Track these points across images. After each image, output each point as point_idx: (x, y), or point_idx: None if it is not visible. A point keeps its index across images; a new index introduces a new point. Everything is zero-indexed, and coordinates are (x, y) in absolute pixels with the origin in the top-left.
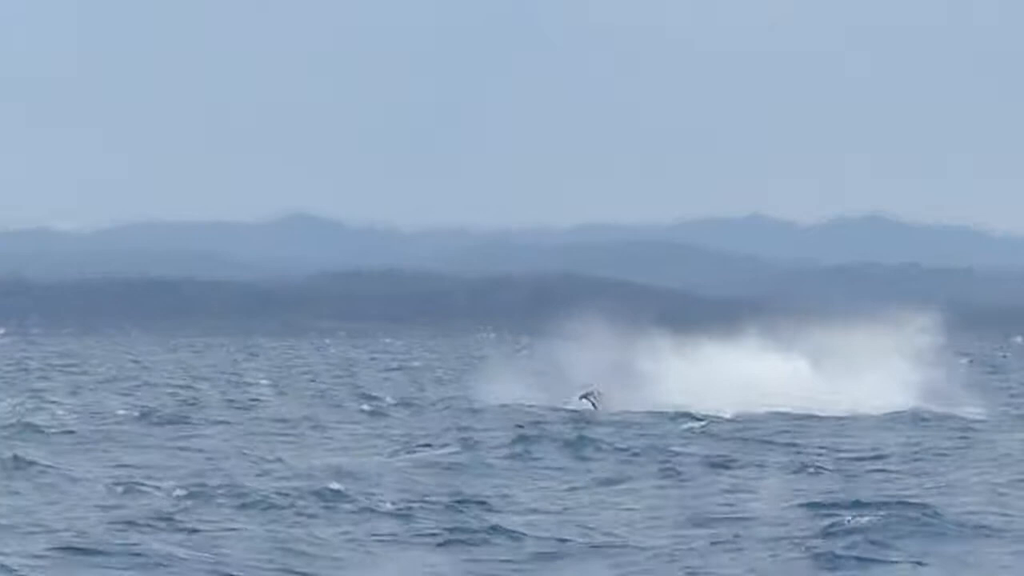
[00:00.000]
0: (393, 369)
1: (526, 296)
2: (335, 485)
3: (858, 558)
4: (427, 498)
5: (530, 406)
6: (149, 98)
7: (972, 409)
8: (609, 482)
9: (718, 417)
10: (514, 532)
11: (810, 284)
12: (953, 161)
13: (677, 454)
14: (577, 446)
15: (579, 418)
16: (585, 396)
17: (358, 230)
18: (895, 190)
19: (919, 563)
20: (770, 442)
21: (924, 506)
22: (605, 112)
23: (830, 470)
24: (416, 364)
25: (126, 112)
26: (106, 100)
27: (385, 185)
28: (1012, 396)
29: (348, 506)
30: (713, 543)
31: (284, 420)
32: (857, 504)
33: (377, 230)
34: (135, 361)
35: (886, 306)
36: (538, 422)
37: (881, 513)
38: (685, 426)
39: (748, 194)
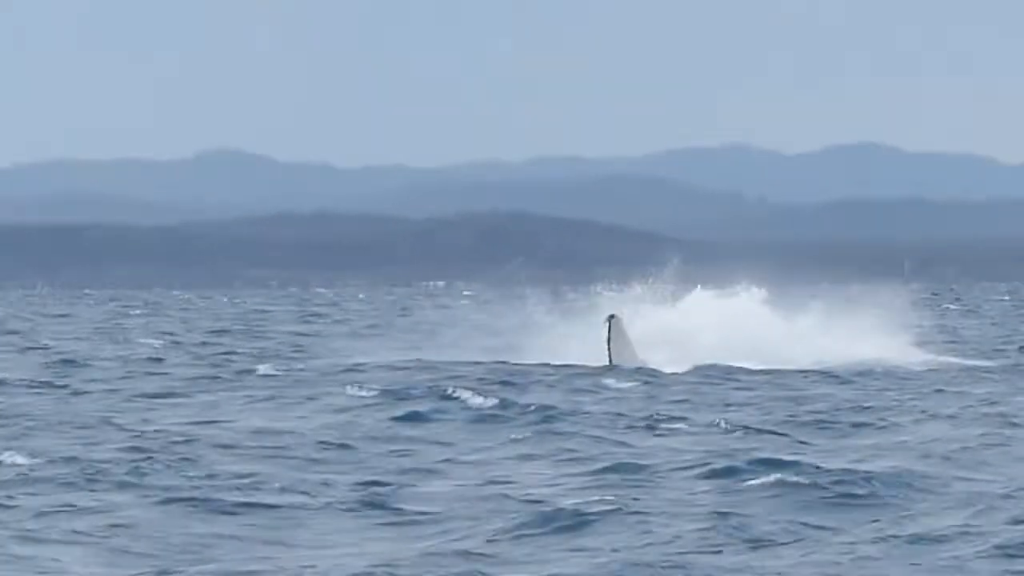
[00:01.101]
0: (308, 324)
1: (476, 240)
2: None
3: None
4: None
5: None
6: (52, 27)
7: (941, 360)
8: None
9: (671, 373)
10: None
11: (800, 222)
12: (956, 83)
13: (588, 413)
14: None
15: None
16: (608, 320)
17: (287, 167)
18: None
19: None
20: (703, 399)
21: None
22: (562, 33)
23: (744, 428)
24: (336, 318)
25: (19, 42)
26: (5, 32)
27: (317, 117)
28: (993, 348)
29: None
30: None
31: (146, 386)
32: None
33: (309, 166)
34: (20, 317)
35: (886, 247)
36: (432, 387)
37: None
38: (620, 383)
39: (728, 121)
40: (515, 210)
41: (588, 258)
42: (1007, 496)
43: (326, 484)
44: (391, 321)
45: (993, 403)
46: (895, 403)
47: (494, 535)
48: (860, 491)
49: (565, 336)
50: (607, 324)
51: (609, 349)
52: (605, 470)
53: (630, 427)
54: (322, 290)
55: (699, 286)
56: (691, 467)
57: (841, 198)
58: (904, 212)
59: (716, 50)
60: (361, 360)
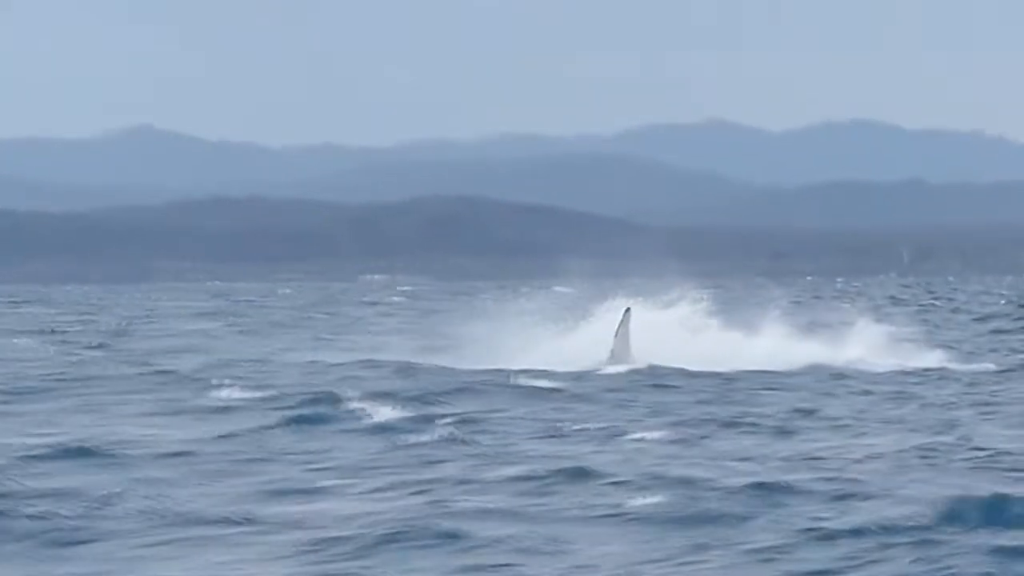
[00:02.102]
0: (210, 321)
1: (423, 228)
2: None
3: None
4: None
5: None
6: None
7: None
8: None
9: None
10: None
11: (787, 207)
12: (961, 54)
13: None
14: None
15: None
16: (625, 312)
17: (214, 147)
18: (890, 89)
19: None
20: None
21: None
22: (518, 1)
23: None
24: (248, 319)
25: None
26: None
27: (247, 91)
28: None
29: None
30: None
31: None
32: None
33: (238, 147)
34: None
35: (883, 235)
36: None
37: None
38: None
39: (707, 95)
40: (467, 195)
41: (549, 249)
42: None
43: (150, 499)
44: (300, 320)
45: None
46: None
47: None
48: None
49: (496, 338)
50: (624, 315)
51: (615, 341)
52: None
53: (534, 436)
54: (246, 284)
55: (628, 305)
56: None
57: (833, 180)
58: (903, 196)
59: (694, 14)
60: (243, 359)
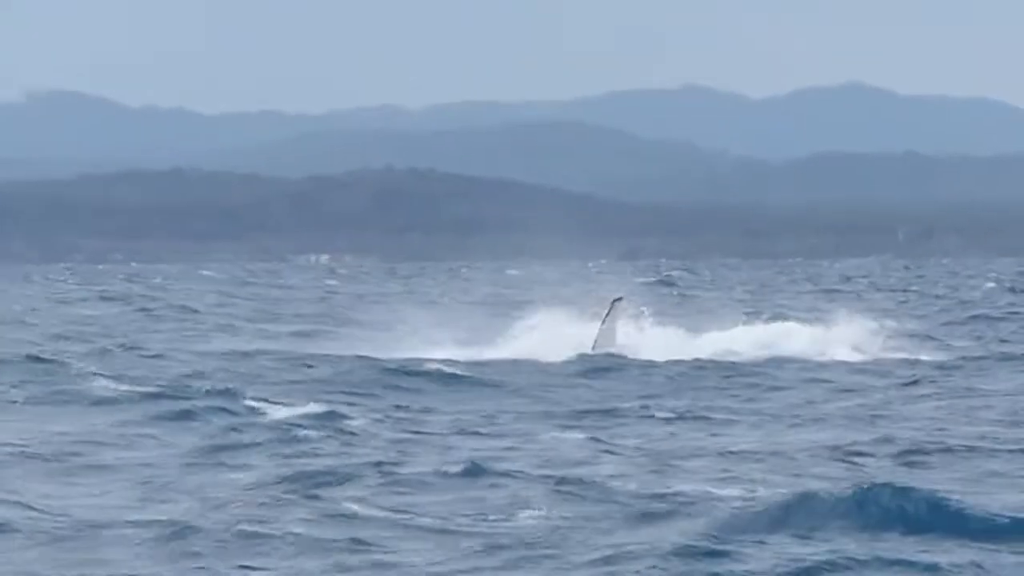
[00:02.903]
0: (106, 304)
1: (368, 204)
2: None
3: None
4: None
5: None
6: None
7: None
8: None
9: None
10: None
11: (769, 181)
12: (960, 11)
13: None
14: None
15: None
16: (614, 302)
17: (137, 113)
18: (882, 51)
19: None
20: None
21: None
22: None
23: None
24: (158, 303)
25: None
26: None
27: (175, 54)
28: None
29: None
30: None
31: None
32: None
33: (163, 113)
34: None
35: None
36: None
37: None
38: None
39: (681, 59)
40: (417, 167)
41: (507, 226)
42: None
43: None
44: (216, 305)
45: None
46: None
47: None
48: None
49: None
50: (611, 305)
51: (600, 330)
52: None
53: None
54: (168, 265)
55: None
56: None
57: (818, 152)
58: (897, 170)
59: None
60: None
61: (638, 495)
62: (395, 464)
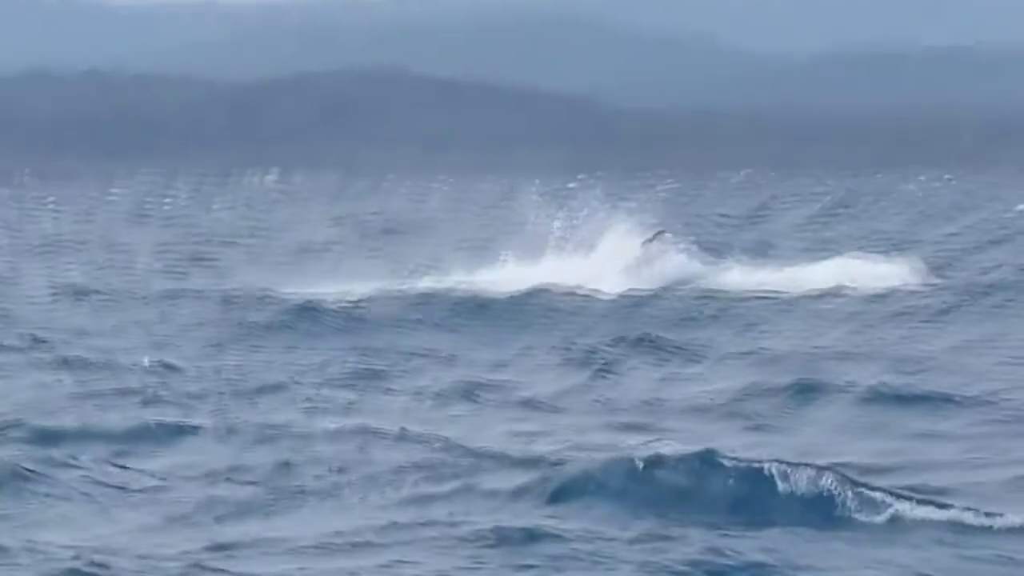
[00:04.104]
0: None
1: (323, 110)
2: None
3: None
4: None
5: None
6: None
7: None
8: None
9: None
10: None
11: (795, 80)
12: None
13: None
14: None
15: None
16: (651, 240)
17: (45, 5)
18: None
19: None
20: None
21: None
22: None
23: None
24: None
25: None
26: None
27: None
28: None
29: None
30: None
31: None
32: None
33: (76, 6)
34: None
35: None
36: None
37: None
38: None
39: None
40: (381, 68)
41: (488, 138)
42: None
43: None
44: (107, 232)
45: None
46: None
47: None
48: None
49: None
50: (652, 238)
51: (637, 259)
52: None
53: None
54: (77, 186)
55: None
56: None
57: (859, 47)
58: (953, 66)
59: None
60: None
61: None
62: None
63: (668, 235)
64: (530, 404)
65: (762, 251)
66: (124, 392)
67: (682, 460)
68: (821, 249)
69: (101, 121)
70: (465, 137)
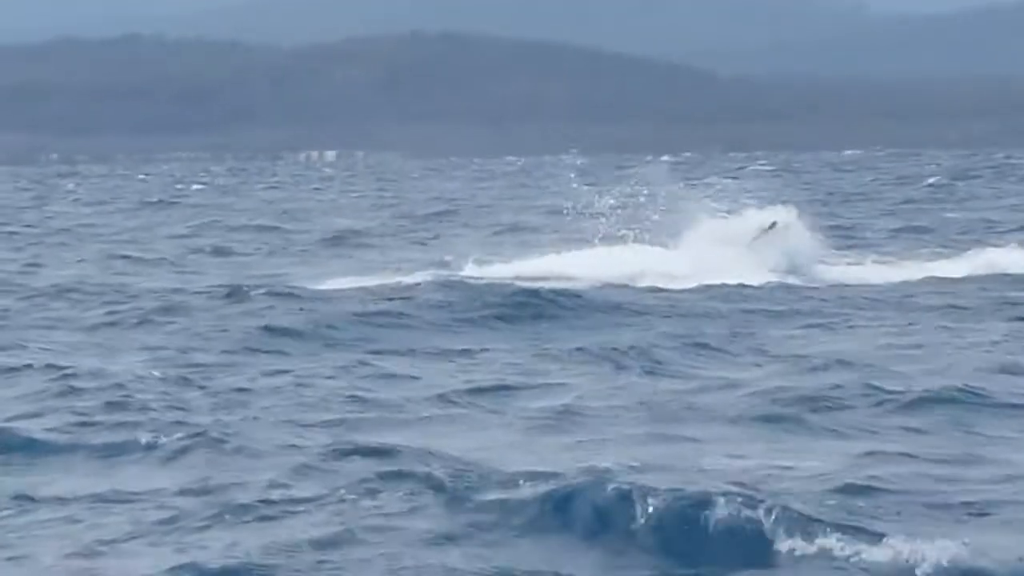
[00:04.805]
0: None
1: (386, 81)
2: None
3: None
4: None
5: None
6: None
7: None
8: None
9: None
10: None
11: (914, 45)
12: None
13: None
14: None
15: None
16: (768, 229)
17: None
18: None
19: None
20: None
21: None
22: None
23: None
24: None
25: None
26: None
27: None
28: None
29: None
30: None
31: None
32: None
33: None
34: None
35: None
36: None
37: None
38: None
39: None
40: (451, 31)
41: (569, 108)
42: None
43: None
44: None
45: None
46: None
47: None
48: None
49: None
50: (769, 226)
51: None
52: None
53: None
54: (105, 165)
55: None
56: None
57: (985, 3)
58: None
59: None
60: None
61: None
62: None
63: (781, 224)
64: (551, 411)
65: (877, 241)
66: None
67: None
68: (941, 238)
69: (137, 93)
70: (542, 109)
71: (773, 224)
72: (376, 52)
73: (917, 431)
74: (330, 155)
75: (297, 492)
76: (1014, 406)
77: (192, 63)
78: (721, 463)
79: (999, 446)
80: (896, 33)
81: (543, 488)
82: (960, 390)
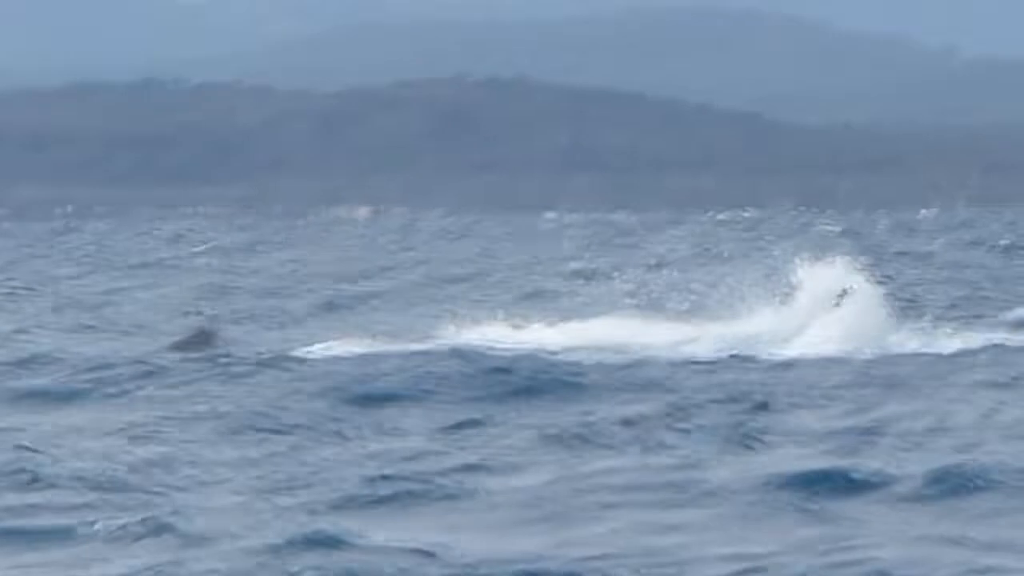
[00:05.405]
0: None
1: (429, 129)
2: None
3: None
4: None
5: None
6: None
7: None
8: None
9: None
10: None
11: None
12: None
13: None
14: None
15: None
16: (840, 296)
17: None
18: None
19: None
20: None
21: None
22: None
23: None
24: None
25: None
26: None
27: None
28: None
29: None
30: None
31: None
32: None
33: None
34: None
35: None
36: None
37: None
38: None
39: None
40: (500, 76)
41: (633, 159)
42: None
43: None
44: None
45: None
46: None
47: None
48: None
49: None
50: (840, 294)
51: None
52: None
53: None
54: (123, 219)
55: None
56: None
57: None
58: None
59: None
60: None
61: None
62: None
63: (854, 290)
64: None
65: (952, 307)
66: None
67: None
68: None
69: (161, 141)
70: (596, 160)
71: (845, 291)
72: (419, 97)
73: None
74: (364, 211)
75: None
76: None
77: (220, 109)
78: None
79: None
80: (987, 78)
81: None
82: None
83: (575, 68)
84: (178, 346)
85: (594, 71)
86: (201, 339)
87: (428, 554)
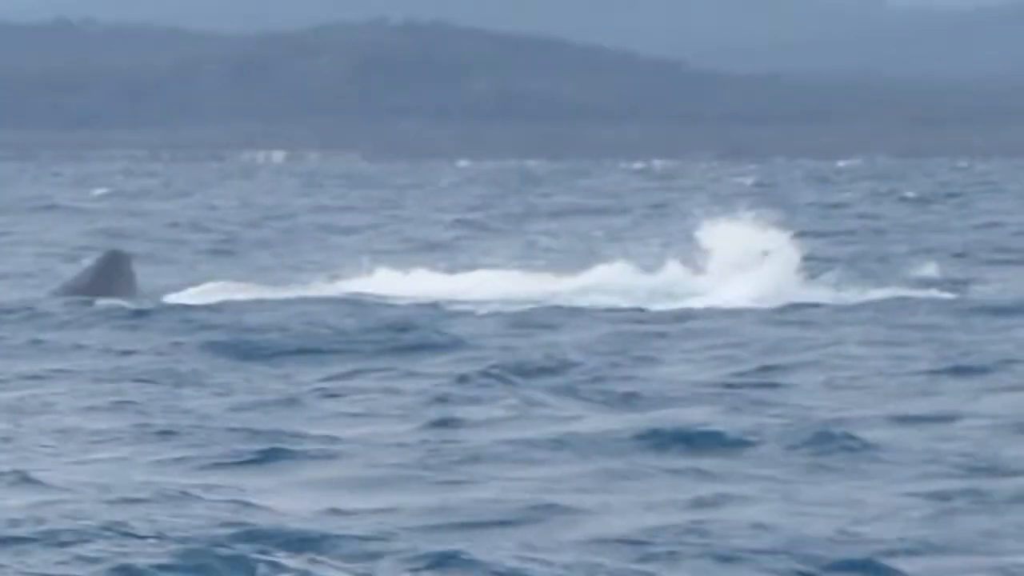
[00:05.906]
0: None
1: (346, 74)
2: None
3: None
4: None
5: None
6: None
7: None
8: None
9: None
10: None
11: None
12: None
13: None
14: None
15: None
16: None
17: None
18: None
19: None
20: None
21: None
22: None
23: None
24: None
25: None
26: None
27: None
28: None
29: None
30: None
31: None
32: None
33: None
34: None
35: None
36: None
37: None
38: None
39: None
40: (418, 20)
41: (555, 108)
42: None
43: None
44: None
45: None
46: None
47: None
48: None
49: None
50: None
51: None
52: None
53: None
54: (25, 162)
55: None
56: None
57: None
58: None
59: None
60: None
61: None
62: None
63: (760, 243)
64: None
65: (859, 258)
66: None
67: None
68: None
69: (68, 83)
70: (515, 108)
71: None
72: (334, 42)
73: None
74: (278, 156)
75: None
76: None
77: (128, 52)
78: None
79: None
80: (916, 29)
81: None
82: None
83: (496, 14)
84: (66, 289)
85: (515, 17)
86: (97, 281)
87: (292, 510)
